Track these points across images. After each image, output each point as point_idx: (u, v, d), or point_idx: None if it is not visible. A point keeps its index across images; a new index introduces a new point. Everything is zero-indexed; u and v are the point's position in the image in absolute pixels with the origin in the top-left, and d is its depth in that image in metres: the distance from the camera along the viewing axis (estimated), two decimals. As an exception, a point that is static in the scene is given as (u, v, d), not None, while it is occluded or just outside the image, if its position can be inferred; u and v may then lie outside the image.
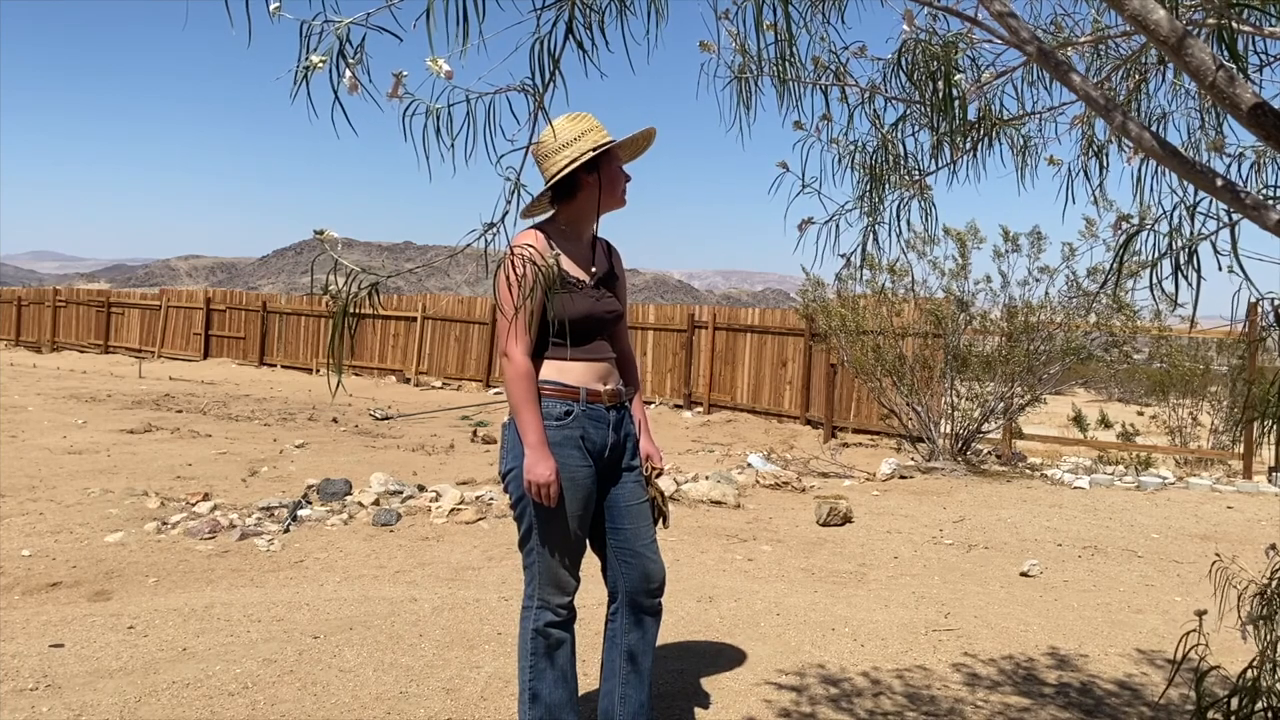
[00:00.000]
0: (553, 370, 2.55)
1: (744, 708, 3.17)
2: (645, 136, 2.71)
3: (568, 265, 2.58)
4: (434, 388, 17.09)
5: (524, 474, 2.48)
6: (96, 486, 6.50)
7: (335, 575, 4.66)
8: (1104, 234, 7.82)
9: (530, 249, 1.84)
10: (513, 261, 1.75)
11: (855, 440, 11.20)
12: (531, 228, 2.59)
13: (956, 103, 1.92)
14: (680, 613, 4.13)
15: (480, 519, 5.90)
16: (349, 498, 6.28)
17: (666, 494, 2.85)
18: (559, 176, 2.49)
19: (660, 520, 2.76)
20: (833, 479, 8.11)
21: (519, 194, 1.42)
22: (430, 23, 1.31)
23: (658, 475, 2.78)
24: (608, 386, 2.61)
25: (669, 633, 3.88)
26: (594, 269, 2.63)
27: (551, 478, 2.45)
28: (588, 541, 2.67)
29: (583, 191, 2.59)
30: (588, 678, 3.03)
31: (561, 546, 2.55)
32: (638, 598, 2.66)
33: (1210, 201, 1.67)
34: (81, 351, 23.84)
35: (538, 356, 2.56)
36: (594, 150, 2.53)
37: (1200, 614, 1.94)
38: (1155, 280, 1.68)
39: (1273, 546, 2.11)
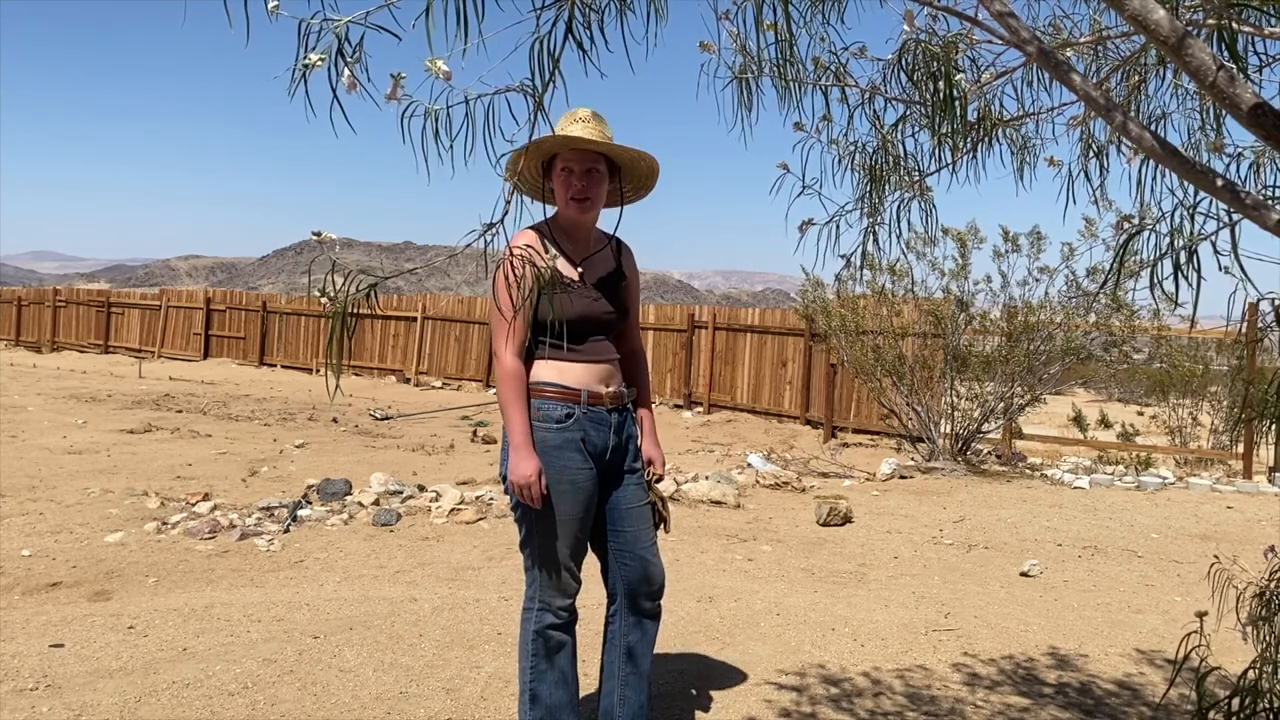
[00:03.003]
0: (553, 372, 2.52)
1: (744, 708, 3.17)
2: (558, 142, 2.48)
3: (563, 265, 2.55)
4: (434, 388, 17.09)
5: (508, 474, 2.47)
6: (96, 486, 6.50)
7: (335, 575, 4.66)
8: (1104, 234, 7.82)
9: (530, 249, 1.83)
10: (511, 262, 1.75)
11: (855, 440, 11.19)
12: (530, 227, 2.56)
13: (957, 103, 1.92)
14: (680, 613, 4.13)
15: (480, 519, 5.90)
16: (349, 498, 6.27)
17: (667, 498, 2.82)
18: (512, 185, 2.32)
19: (661, 525, 2.74)
20: (833, 479, 8.11)
21: (518, 194, 1.42)
22: (429, 22, 1.31)
23: (658, 480, 2.76)
24: (609, 389, 2.59)
25: (669, 633, 3.87)
26: (579, 269, 2.58)
27: (533, 478, 2.43)
28: (589, 543, 2.67)
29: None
30: (588, 678, 3.03)
31: (562, 549, 2.54)
32: (638, 600, 2.66)
33: (1210, 202, 1.67)
34: (81, 351, 23.84)
35: (531, 356, 2.55)
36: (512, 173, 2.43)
37: (1201, 615, 1.94)
38: (1155, 280, 1.68)
39: (1271, 548, 2.11)
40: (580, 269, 2.59)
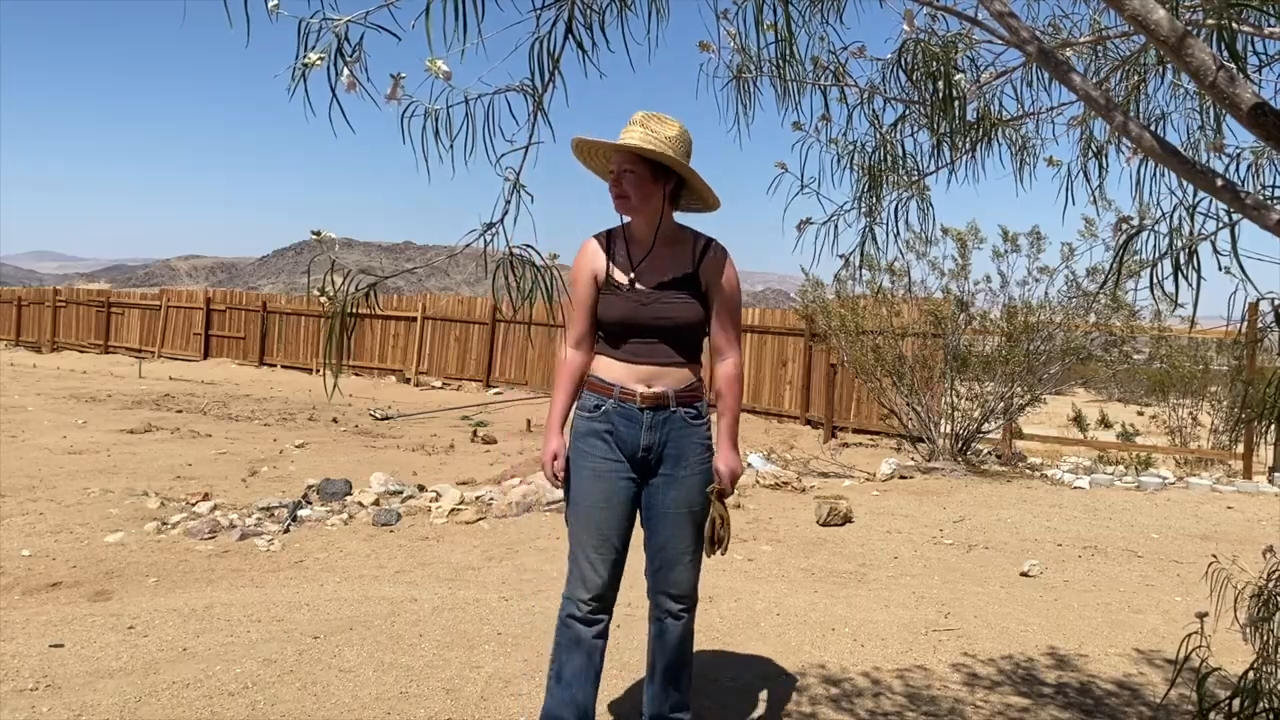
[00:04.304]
0: (601, 366, 2.64)
1: (744, 707, 3.17)
2: (589, 146, 2.58)
3: (617, 269, 2.60)
4: (434, 388, 17.09)
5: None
6: (96, 486, 6.50)
7: (335, 575, 4.66)
8: (1103, 234, 7.81)
9: (529, 249, 1.83)
10: (511, 263, 1.75)
11: (855, 440, 11.19)
12: (601, 232, 2.68)
13: (956, 103, 1.92)
14: (680, 613, 4.13)
15: (480, 519, 5.90)
16: (349, 498, 6.28)
17: (728, 518, 2.67)
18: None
19: (712, 546, 2.65)
20: (833, 479, 8.11)
21: (518, 194, 1.42)
22: (429, 22, 1.31)
23: (719, 496, 2.65)
24: (651, 389, 2.58)
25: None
26: (633, 273, 2.59)
27: (547, 457, 2.62)
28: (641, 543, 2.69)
29: None
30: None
31: (583, 537, 2.60)
32: (660, 600, 2.68)
33: (1210, 201, 1.67)
34: (81, 351, 23.83)
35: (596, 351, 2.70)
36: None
37: (1201, 616, 1.94)
38: (1155, 280, 1.68)
39: (1270, 548, 2.11)
40: (633, 273, 2.59)
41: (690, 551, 2.63)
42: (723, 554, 2.68)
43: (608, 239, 2.65)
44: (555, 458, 2.62)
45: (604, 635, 2.65)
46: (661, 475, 2.61)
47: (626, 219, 2.64)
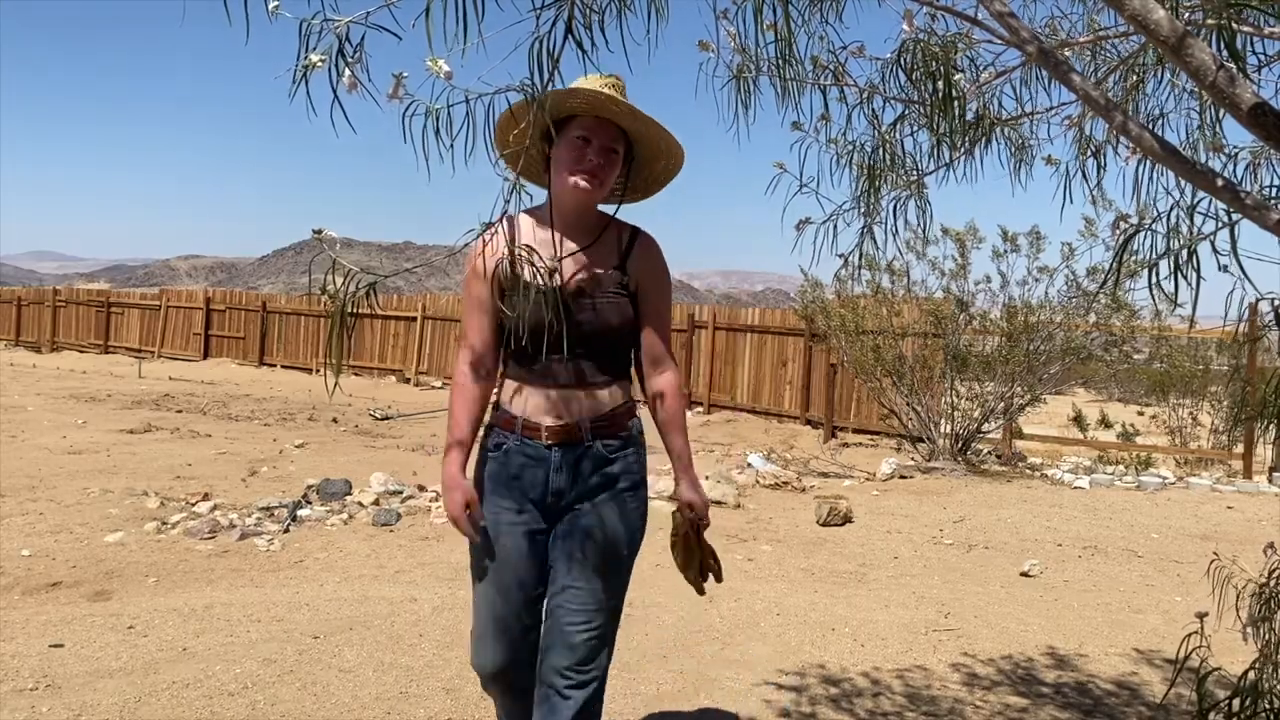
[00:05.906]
0: (505, 390, 2.12)
1: (744, 708, 3.17)
2: (596, 99, 1.97)
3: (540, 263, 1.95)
4: (434, 388, 17.09)
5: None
6: (96, 486, 6.50)
7: (335, 575, 4.66)
8: (1103, 234, 7.82)
9: (530, 250, 1.80)
10: (511, 263, 1.74)
11: (855, 440, 11.19)
12: (521, 211, 2.11)
13: (955, 103, 1.92)
14: (680, 613, 4.13)
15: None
16: (349, 498, 6.28)
17: (715, 550, 2.35)
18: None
19: (707, 576, 2.35)
20: (833, 479, 8.11)
21: (518, 194, 1.42)
22: (429, 22, 1.31)
23: (702, 529, 2.28)
24: (560, 421, 2.06)
25: (669, 633, 3.88)
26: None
27: (455, 513, 2.05)
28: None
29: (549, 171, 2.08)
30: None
31: (482, 604, 2.13)
32: (548, 675, 2.10)
33: (1209, 201, 1.67)
34: (81, 351, 23.83)
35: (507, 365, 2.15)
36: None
37: (1201, 615, 1.94)
38: (1155, 280, 1.68)
39: (1271, 545, 2.11)
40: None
41: (598, 605, 2.10)
42: (700, 586, 2.37)
43: (510, 227, 2.06)
44: (467, 507, 2.07)
45: None
46: (571, 510, 2.12)
47: (532, 204, 2.13)
